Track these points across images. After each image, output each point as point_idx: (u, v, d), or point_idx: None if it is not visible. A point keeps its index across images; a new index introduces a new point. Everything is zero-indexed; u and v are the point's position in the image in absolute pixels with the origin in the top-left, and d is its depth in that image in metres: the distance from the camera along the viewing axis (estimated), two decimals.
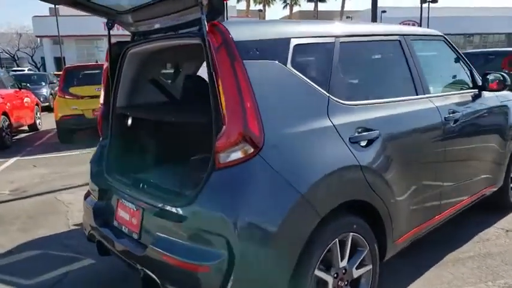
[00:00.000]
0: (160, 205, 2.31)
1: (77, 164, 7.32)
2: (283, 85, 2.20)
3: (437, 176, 3.04)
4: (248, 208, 1.98)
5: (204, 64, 3.81)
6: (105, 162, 2.96)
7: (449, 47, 3.52)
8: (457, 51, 3.57)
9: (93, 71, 9.70)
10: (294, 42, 2.27)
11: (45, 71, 35.04)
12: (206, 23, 2.06)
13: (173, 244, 2.14)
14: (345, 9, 45.89)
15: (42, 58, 42.02)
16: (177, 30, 2.57)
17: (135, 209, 2.50)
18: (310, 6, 47.10)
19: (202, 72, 3.79)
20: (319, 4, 45.04)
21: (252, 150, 2.02)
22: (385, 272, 2.70)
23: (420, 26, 25.35)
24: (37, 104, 12.06)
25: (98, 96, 8.94)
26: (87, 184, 5.83)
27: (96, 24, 36.80)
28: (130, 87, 3.06)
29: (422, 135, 2.88)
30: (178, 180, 2.76)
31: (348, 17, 41.42)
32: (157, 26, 2.71)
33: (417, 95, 2.96)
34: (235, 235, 1.95)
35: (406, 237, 2.83)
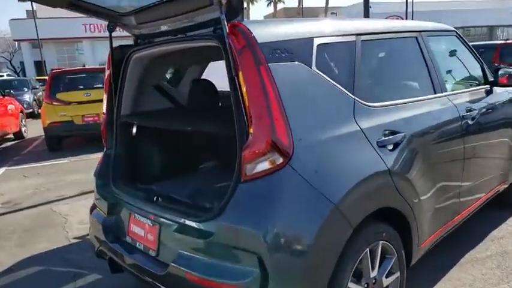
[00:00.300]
0: (180, 220, 2.16)
1: (69, 172, 7.11)
2: (309, 88, 2.07)
3: (457, 175, 2.96)
4: (280, 222, 1.85)
5: (209, 67, 3.74)
6: (111, 173, 2.80)
7: (461, 42, 3.44)
8: (469, 46, 3.49)
9: (81, 76, 9.46)
10: (317, 42, 2.15)
11: (24, 75, 34.33)
12: (226, 24, 1.92)
13: (198, 262, 2.01)
14: (328, 6, 45.93)
15: (21, 63, 41.11)
16: (187, 32, 2.42)
17: (150, 224, 2.35)
18: (294, 3, 47.04)
19: (206, 75, 3.67)
20: (303, 1, 45.00)
21: (281, 160, 1.88)
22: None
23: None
24: (21, 111, 11.73)
25: (86, 102, 8.99)
26: (82, 194, 5.77)
27: (76, 27, 36.30)
28: (135, 93, 2.90)
29: (444, 135, 2.78)
30: (192, 191, 2.62)
31: (332, 13, 41.42)
32: (164, 28, 2.55)
33: (435, 93, 2.87)
34: (267, 251, 1.82)
35: (429, 241, 2.74)
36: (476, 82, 3.55)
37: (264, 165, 1.89)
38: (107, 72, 2.89)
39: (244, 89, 1.90)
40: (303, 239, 1.88)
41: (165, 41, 2.55)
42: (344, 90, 2.19)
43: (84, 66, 16.45)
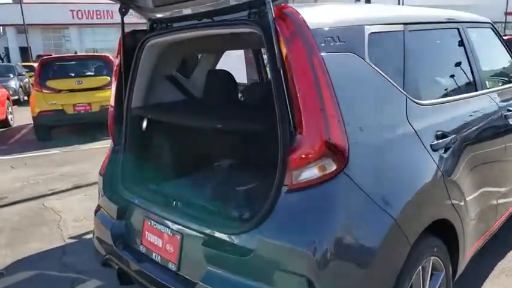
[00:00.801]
0: (207, 230, 1.88)
1: (59, 164, 6.75)
2: (362, 83, 1.80)
3: (498, 179, 2.73)
4: (335, 240, 1.58)
5: (225, 56, 3.45)
6: (120, 172, 2.51)
7: (496, 36, 3.20)
8: (503, 40, 3.26)
9: (72, 63, 9.07)
10: (368, 30, 1.88)
11: (9, 61, 33.43)
12: (273, 7, 1.64)
13: (231, 282, 1.73)
14: None
15: (6, 48, 40.06)
16: (214, 16, 2.13)
17: (170, 234, 2.06)
18: None
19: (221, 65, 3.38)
20: None
21: (334, 166, 1.61)
22: None
23: None
24: (8, 98, 11.24)
25: (78, 90, 8.58)
26: (75, 188, 5.43)
27: (63, 13, 35.48)
28: (147, 84, 2.60)
29: (489, 137, 2.56)
30: (215, 195, 2.34)
31: None
32: (186, 11, 2.26)
33: (477, 90, 2.64)
34: (319, 273, 1.55)
35: (471, 252, 2.51)
36: (507, 79, 3.32)
37: (314, 172, 1.62)
38: (117, 60, 2.59)
39: (294, 83, 1.62)
40: (360, 260, 1.62)
41: (188, 27, 2.25)
42: (396, 86, 1.93)
43: (75, 53, 15.96)
